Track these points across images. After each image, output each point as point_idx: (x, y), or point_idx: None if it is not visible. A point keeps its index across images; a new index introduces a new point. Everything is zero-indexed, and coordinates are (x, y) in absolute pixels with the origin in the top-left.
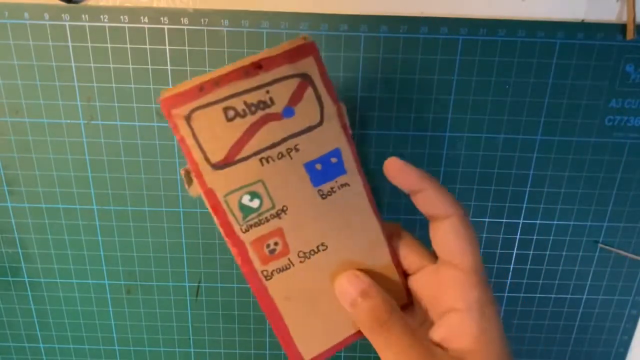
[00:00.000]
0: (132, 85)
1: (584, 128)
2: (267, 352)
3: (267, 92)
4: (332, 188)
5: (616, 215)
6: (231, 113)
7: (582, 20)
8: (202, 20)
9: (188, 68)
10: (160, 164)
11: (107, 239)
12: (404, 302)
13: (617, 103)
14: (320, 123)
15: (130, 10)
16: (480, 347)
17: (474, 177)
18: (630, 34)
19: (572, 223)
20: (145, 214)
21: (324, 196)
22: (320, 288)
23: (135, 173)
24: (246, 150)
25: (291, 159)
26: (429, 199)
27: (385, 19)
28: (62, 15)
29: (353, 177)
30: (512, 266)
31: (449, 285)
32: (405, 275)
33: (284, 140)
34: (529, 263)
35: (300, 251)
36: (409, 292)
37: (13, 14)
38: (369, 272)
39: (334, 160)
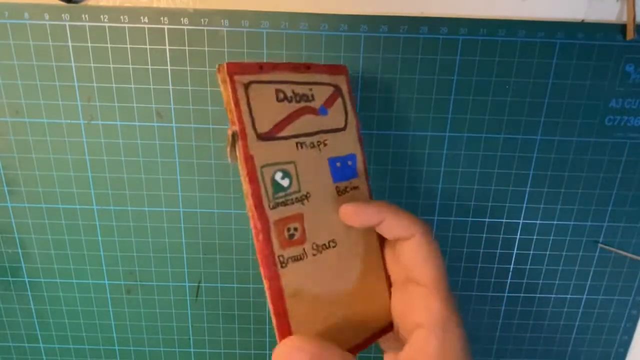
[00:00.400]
0: (132, 85)
1: (584, 128)
2: (267, 352)
3: (310, 89)
4: (346, 187)
5: (616, 215)
6: (281, 95)
7: (582, 20)
8: (202, 20)
9: (188, 68)
10: (160, 164)
11: (107, 239)
12: (387, 319)
13: (617, 103)
14: (344, 128)
15: (130, 10)
16: None
17: (474, 177)
18: (630, 34)
19: (572, 223)
20: (145, 214)
21: (339, 192)
22: (325, 286)
23: (135, 173)
24: (287, 131)
25: (320, 151)
26: (390, 226)
27: (385, 19)
28: (62, 15)
29: (362, 182)
30: (512, 266)
31: (413, 300)
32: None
33: (317, 133)
34: (529, 263)
35: (314, 243)
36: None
37: (13, 14)
38: (361, 283)
39: (350, 163)
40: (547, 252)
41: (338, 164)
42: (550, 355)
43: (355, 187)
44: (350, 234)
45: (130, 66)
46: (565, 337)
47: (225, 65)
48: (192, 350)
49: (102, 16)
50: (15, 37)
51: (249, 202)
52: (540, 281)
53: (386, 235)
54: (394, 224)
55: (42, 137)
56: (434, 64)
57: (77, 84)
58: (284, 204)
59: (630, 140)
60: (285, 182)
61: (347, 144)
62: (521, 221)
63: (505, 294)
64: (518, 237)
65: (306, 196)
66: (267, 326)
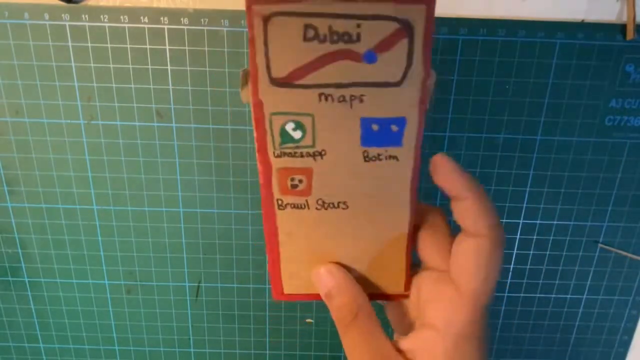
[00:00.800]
0: (132, 85)
1: (584, 128)
2: (267, 352)
3: (358, 25)
4: (379, 154)
5: (616, 215)
6: (311, 33)
7: (582, 20)
8: (202, 20)
9: (188, 68)
10: (160, 164)
11: (107, 239)
12: (399, 291)
13: (617, 103)
14: (399, 84)
15: (130, 10)
16: (476, 270)
17: (474, 177)
18: (630, 34)
19: (572, 223)
20: (145, 214)
21: (367, 159)
22: (323, 239)
23: (135, 173)
24: (310, 79)
25: (351, 107)
26: (465, 212)
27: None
28: (62, 15)
29: (406, 154)
30: (512, 266)
31: (441, 300)
32: (414, 267)
33: (352, 85)
34: (529, 263)
35: (320, 199)
36: (408, 283)
37: (13, 14)
38: (373, 252)
39: (394, 128)
40: (547, 252)
41: (375, 127)
42: (550, 355)
43: (393, 157)
44: (370, 202)
45: (130, 66)
46: (565, 337)
47: None
48: (192, 350)
49: (102, 16)
50: (15, 37)
51: (255, 144)
52: (540, 281)
53: (455, 215)
54: (471, 212)
55: (42, 137)
56: (434, 64)
57: (77, 84)
58: (292, 155)
59: (630, 140)
60: (297, 134)
61: (398, 104)
62: (521, 221)
63: (505, 294)
64: (518, 237)
65: (320, 153)
66: (267, 326)
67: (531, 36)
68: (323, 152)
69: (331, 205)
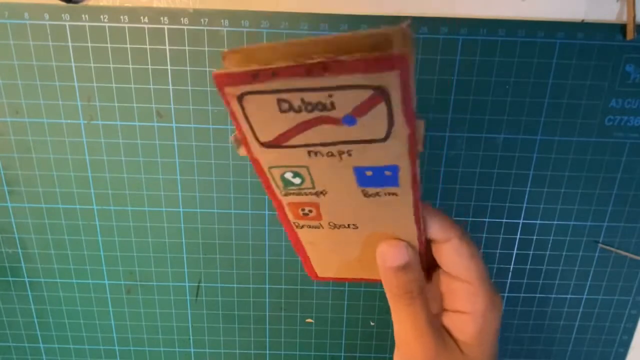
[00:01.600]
0: (132, 85)
1: (584, 128)
2: (267, 352)
3: (330, 95)
4: (377, 192)
5: (616, 215)
6: (285, 106)
7: (582, 20)
8: (202, 20)
9: (188, 68)
10: (160, 164)
11: (107, 239)
12: None
13: (617, 103)
14: (384, 140)
15: (130, 10)
16: (476, 343)
17: (474, 177)
18: (630, 34)
19: (572, 223)
20: (145, 214)
21: (367, 195)
22: (344, 246)
23: (135, 173)
24: (295, 141)
25: (340, 160)
26: (429, 226)
27: (385, 19)
28: (62, 15)
29: (405, 191)
30: (512, 266)
31: (459, 293)
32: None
33: (338, 143)
34: (529, 263)
35: (331, 222)
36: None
37: (13, 14)
38: None
39: (388, 173)
40: (547, 252)
41: (368, 173)
42: (550, 355)
43: (392, 194)
44: (378, 224)
45: (130, 66)
46: (565, 337)
47: (213, 75)
48: (192, 350)
49: (102, 16)
50: (15, 37)
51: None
52: (540, 281)
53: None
54: (429, 225)
55: (42, 137)
56: (434, 64)
57: (77, 84)
58: (297, 194)
59: (630, 140)
60: (296, 180)
61: (387, 155)
62: (521, 221)
63: (505, 294)
64: (518, 237)
65: (322, 192)
66: (267, 326)
67: (531, 36)
68: (324, 192)
69: (343, 226)
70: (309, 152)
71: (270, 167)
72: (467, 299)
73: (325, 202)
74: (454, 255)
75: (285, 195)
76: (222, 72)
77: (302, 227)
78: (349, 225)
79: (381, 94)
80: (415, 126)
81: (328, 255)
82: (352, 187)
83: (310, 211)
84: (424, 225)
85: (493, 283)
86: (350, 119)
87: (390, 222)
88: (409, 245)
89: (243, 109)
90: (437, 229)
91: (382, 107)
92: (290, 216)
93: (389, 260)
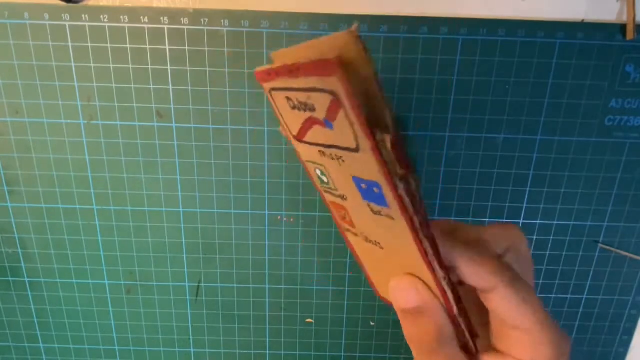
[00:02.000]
0: (132, 85)
1: (584, 128)
2: (267, 352)
3: (309, 97)
4: (380, 211)
5: (616, 215)
6: (291, 103)
7: (582, 20)
8: (202, 20)
9: (188, 68)
10: (160, 164)
11: (107, 239)
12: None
13: (617, 103)
14: (357, 150)
15: (130, 10)
16: None
17: (474, 177)
18: (630, 34)
19: (572, 223)
20: (145, 214)
21: (374, 212)
22: (382, 264)
23: (135, 173)
24: (307, 138)
25: (340, 165)
26: (466, 274)
27: (385, 19)
28: (62, 15)
29: (396, 215)
30: None
31: (516, 340)
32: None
33: (329, 147)
34: None
35: (362, 233)
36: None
37: (13, 14)
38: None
39: (376, 190)
40: (547, 252)
41: (364, 186)
42: None
43: (389, 216)
44: (395, 248)
45: (130, 66)
46: None
47: (255, 71)
48: (192, 350)
49: (102, 16)
50: (15, 37)
51: None
52: (540, 281)
53: (466, 281)
54: (470, 273)
55: (42, 137)
56: (434, 64)
57: (77, 84)
58: (331, 193)
59: (630, 140)
60: (324, 179)
61: (367, 168)
62: (521, 221)
63: None
64: None
65: (343, 197)
66: (267, 326)
67: (531, 36)
68: (345, 197)
69: (372, 242)
70: (320, 152)
71: (306, 161)
72: (525, 348)
73: (349, 208)
74: (502, 303)
75: (325, 192)
76: (261, 69)
77: (347, 231)
78: (375, 242)
79: (336, 98)
80: (378, 142)
81: (379, 273)
82: (359, 199)
83: (345, 216)
84: (448, 269)
85: (559, 325)
86: (327, 122)
87: (402, 251)
88: (425, 286)
89: (275, 103)
90: (471, 275)
91: (342, 114)
92: (335, 215)
93: (395, 300)
